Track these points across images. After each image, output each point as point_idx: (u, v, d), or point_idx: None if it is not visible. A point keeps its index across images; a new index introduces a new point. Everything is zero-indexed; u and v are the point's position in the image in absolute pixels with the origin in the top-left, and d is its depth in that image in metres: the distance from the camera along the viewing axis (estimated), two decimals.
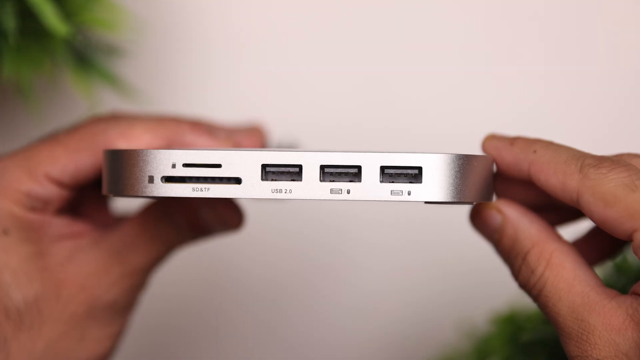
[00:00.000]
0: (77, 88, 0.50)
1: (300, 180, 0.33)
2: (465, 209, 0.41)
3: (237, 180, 0.33)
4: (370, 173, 0.33)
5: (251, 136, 0.45)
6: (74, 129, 0.41)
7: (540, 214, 0.37)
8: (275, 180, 0.33)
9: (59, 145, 0.40)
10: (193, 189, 0.33)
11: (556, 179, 0.34)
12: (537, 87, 0.61)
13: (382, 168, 0.33)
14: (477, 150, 0.39)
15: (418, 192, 0.33)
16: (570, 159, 0.34)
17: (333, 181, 0.33)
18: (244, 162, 0.33)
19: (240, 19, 0.60)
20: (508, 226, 0.36)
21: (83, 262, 0.40)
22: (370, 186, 0.33)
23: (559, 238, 0.35)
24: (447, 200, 0.33)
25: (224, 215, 0.42)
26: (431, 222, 0.61)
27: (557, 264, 0.34)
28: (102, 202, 0.44)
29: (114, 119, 0.42)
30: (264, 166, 0.33)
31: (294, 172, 0.33)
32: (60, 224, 0.41)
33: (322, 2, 0.61)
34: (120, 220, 0.43)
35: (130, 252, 0.40)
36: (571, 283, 0.33)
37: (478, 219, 0.38)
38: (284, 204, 0.60)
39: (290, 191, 0.33)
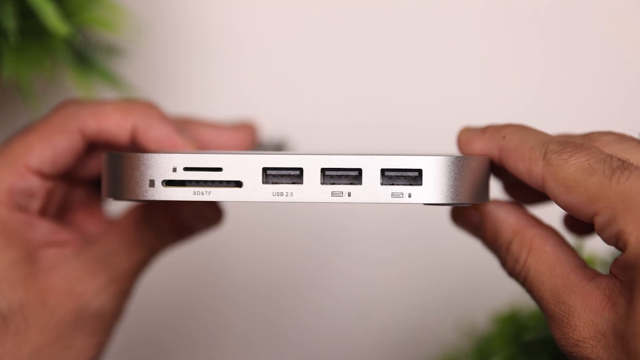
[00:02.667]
0: (77, 88, 0.50)
1: (301, 183, 0.33)
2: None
3: (238, 184, 0.33)
4: (371, 176, 0.33)
5: (233, 133, 0.45)
6: (46, 116, 0.41)
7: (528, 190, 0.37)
8: (276, 183, 0.33)
9: (33, 134, 0.40)
10: (194, 193, 0.33)
11: (523, 165, 0.34)
12: (537, 86, 0.61)
13: (383, 170, 0.33)
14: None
15: (418, 194, 0.33)
16: (535, 145, 0.34)
17: (334, 184, 0.33)
18: (244, 166, 0.33)
19: (240, 19, 0.60)
20: (487, 221, 0.36)
21: (67, 270, 0.40)
22: (371, 189, 0.33)
23: (539, 223, 0.36)
24: (447, 202, 0.33)
25: (205, 212, 0.42)
26: (431, 221, 0.61)
27: (538, 249, 0.34)
28: (94, 207, 0.45)
29: (86, 100, 0.42)
30: (264, 169, 0.33)
31: (295, 175, 0.33)
32: (46, 229, 0.41)
33: (322, 2, 0.61)
34: (107, 227, 0.43)
35: (114, 257, 0.41)
36: (552, 266, 0.34)
37: (459, 219, 0.38)
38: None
39: (292, 194, 0.33)
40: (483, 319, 0.55)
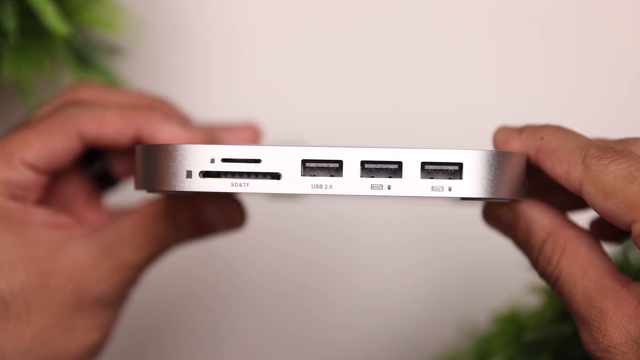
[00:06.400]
0: None
1: (341, 175, 0.33)
2: (472, 208, 0.41)
3: (277, 176, 0.33)
4: (411, 169, 0.33)
5: (237, 133, 0.45)
6: (46, 114, 0.41)
7: (560, 194, 0.37)
8: (315, 175, 0.33)
9: (32, 131, 0.40)
10: (232, 184, 0.33)
11: (561, 167, 0.34)
12: (537, 86, 0.61)
13: (423, 164, 0.33)
14: (486, 146, 0.39)
15: (458, 188, 0.33)
16: (574, 148, 0.34)
17: (373, 177, 0.33)
18: (283, 157, 0.33)
19: (240, 19, 0.60)
20: (520, 221, 0.36)
21: (74, 253, 0.40)
22: (411, 182, 0.33)
23: (573, 225, 0.35)
24: (486, 197, 0.33)
25: (230, 213, 0.42)
26: (432, 222, 0.61)
27: (572, 251, 0.34)
28: (93, 199, 0.44)
29: (86, 101, 0.42)
30: (304, 161, 0.33)
31: (334, 168, 0.33)
32: (44, 214, 0.41)
33: (322, 3, 0.61)
34: (115, 215, 0.43)
35: (123, 248, 0.40)
36: (585, 269, 0.33)
37: (491, 218, 0.38)
38: (286, 205, 0.60)
39: (331, 187, 0.33)
40: (483, 319, 0.55)
